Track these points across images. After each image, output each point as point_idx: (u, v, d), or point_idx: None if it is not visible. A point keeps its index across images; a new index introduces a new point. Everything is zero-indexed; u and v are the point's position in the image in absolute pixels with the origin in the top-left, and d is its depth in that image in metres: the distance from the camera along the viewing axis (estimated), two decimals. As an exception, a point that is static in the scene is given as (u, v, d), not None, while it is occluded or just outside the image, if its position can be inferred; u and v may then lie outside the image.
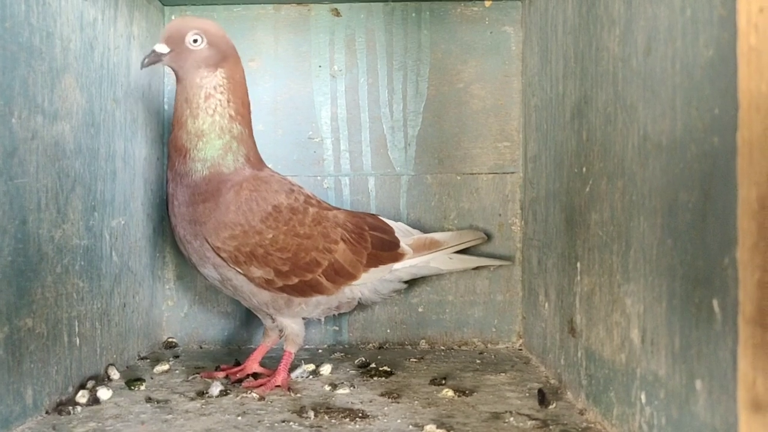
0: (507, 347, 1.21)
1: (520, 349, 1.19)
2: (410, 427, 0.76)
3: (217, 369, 1.02)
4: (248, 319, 1.22)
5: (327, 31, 1.24)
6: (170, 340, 1.21)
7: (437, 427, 0.74)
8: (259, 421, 0.79)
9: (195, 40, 0.90)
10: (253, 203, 0.92)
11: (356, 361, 1.07)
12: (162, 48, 0.91)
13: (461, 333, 1.22)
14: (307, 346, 1.19)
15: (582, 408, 0.82)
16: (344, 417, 0.79)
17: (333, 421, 0.78)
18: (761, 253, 0.39)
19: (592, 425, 0.76)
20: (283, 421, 0.78)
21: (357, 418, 0.79)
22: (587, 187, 0.83)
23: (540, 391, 0.86)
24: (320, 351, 1.17)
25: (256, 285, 0.93)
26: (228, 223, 0.90)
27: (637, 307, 0.66)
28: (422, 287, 1.22)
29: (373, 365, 1.03)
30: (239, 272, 0.92)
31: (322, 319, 1.17)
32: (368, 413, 0.81)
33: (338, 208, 1.03)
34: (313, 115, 1.24)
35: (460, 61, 1.24)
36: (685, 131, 0.58)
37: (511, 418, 0.79)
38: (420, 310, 1.23)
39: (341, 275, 0.98)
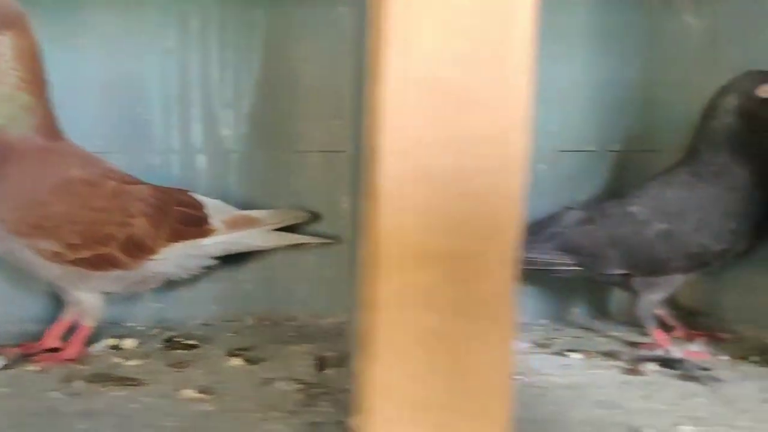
0: (331, 322, 1.23)
1: (343, 324, 1.22)
2: (173, 391, 0.78)
3: (18, 346, 1.00)
4: (69, 297, 1.20)
5: (160, 9, 1.22)
6: (-14, 320, 1.17)
7: (198, 392, 0.76)
8: (24, 392, 0.78)
9: (-30, 7, 0.87)
10: (40, 174, 0.90)
11: (164, 336, 1.06)
12: (-67, 14, 0.88)
13: (288, 308, 1.24)
14: (129, 324, 1.17)
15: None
16: (114, 385, 0.79)
17: (101, 389, 0.79)
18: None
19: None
20: (48, 390, 0.78)
21: (126, 386, 0.79)
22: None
23: (319, 357, 0.88)
24: (140, 328, 1.16)
25: (45, 258, 0.92)
26: (11, 194, 0.88)
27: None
28: (249, 263, 1.23)
29: (179, 339, 1.04)
30: (25, 245, 0.90)
31: (146, 296, 1.17)
32: (143, 381, 0.81)
33: (146, 183, 1.03)
34: (143, 92, 1.22)
35: (294, 41, 1.25)
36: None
37: (282, 383, 0.81)
38: (247, 286, 1.23)
39: (141, 249, 0.97)
